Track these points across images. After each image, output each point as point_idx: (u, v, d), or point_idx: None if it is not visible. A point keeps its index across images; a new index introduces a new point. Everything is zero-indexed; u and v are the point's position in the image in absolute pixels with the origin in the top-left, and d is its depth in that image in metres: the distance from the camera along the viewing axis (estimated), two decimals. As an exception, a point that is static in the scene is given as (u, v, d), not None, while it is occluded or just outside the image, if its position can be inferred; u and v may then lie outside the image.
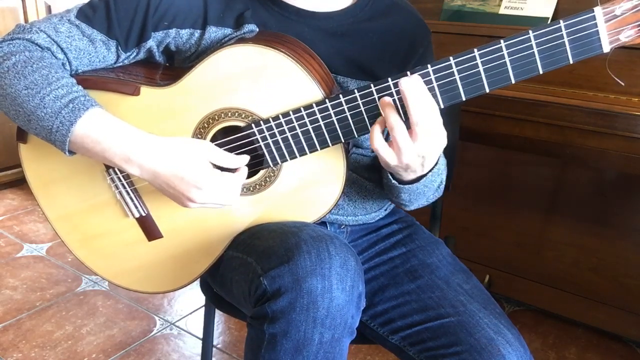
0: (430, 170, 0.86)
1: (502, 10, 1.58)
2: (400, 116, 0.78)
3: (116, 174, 0.93)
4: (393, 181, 0.89)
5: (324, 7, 0.94)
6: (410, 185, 0.88)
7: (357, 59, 0.95)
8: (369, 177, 1.03)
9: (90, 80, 0.89)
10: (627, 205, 1.60)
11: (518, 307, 1.89)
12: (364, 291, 0.82)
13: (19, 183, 2.70)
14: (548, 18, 1.52)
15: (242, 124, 0.87)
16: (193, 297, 1.91)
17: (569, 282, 1.72)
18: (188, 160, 0.82)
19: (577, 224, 1.68)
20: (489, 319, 0.86)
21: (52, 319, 1.78)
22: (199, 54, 0.92)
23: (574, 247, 1.69)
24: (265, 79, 0.84)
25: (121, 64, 0.94)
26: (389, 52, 0.97)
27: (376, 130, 0.79)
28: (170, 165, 0.81)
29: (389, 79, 0.80)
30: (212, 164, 0.85)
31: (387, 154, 0.79)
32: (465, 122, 1.44)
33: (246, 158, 0.87)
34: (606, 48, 0.74)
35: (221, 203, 0.86)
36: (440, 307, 0.89)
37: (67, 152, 0.83)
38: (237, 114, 0.86)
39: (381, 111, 0.79)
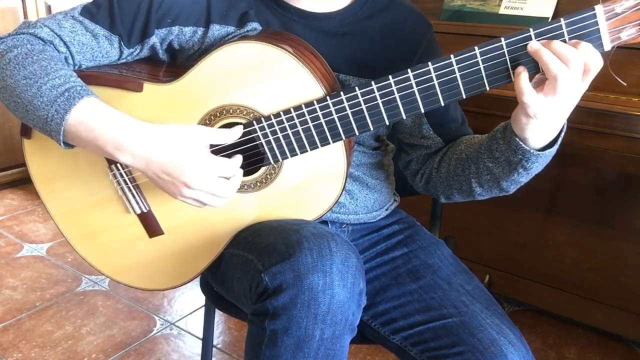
0: (558, 135, 0.82)
1: (502, 10, 1.59)
2: None
3: (118, 169, 0.93)
4: (531, 149, 0.82)
5: (324, 7, 0.95)
6: (546, 152, 0.82)
7: (359, 57, 0.96)
8: (371, 175, 1.03)
9: (93, 76, 0.90)
10: (627, 205, 1.60)
11: (518, 307, 1.89)
12: (364, 288, 0.82)
13: (19, 183, 2.69)
14: (548, 18, 1.52)
15: (243, 121, 0.87)
16: (193, 297, 1.91)
17: (569, 282, 1.72)
18: (184, 144, 0.81)
19: (577, 224, 1.68)
20: (491, 319, 0.86)
21: (52, 319, 1.78)
22: (202, 52, 0.92)
23: (574, 247, 1.69)
24: (267, 76, 0.84)
25: (124, 60, 0.95)
26: (390, 49, 0.97)
27: (524, 79, 0.75)
28: (165, 151, 0.81)
29: (390, 77, 0.80)
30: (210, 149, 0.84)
31: (538, 102, 0.75)
32: (466, 122, 1.44)
33: (239, 129, 0.86)
34: (607, 46, 0.74)
35: (218, 191, 0.84)
36: (442, 307, 0.89)
37: (62, 143, 0.83)
38: (238, 110, 0.87)
39: (541, 58, 0.73)
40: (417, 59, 0.98)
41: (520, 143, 0.82)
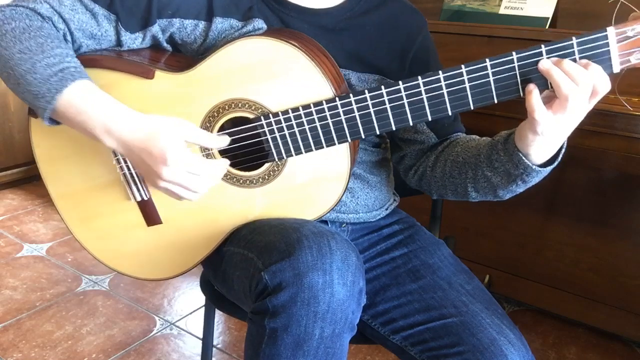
0: (559, 152, 0.84)
1: (502, 10, 1.59)
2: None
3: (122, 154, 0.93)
4: (533, 165, 0.84)
5: (321, 3, 0.96)
6: (546, 167, 0.85)
7: (357, 52, 0.97)
8: (372, 173, 1.03)
9: (101, 59, 0.90)
10: (627, 205, 1.60)
11: (518, 307, 1.89)
12: (364, 287, 0.82)
13: (19, 183, 2.70)
14: (548, 18, 1.52)
15: (251, 116, 0.87)
16: (193, 297, 1.91)
17: (569, 282, 1.72)
18: (159, 135, 0.81)
19: (577, 224, 1.68)
20: (491, 319, 0.86)
21: (52, 319, 1.78)
22: (207, 46, 0.93)
23: (574, 247, 1.69)
24: (278, 73, 0.85)
25: (127, 48, 0.95)
26: (386, 43, 0.98)
27: (536, 96, 0.77)
28: (142, 139, 0.81)
29: (400, 82, 0.81)
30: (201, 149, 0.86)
31: (548, 119, 0.77)
32: (465, 122, 1.43)
33: (226, 139, 0.87)
34: (616, 68, 0.75)
35: (190, 186, 0.84)
36: (442, 307, 0.89)
37: (46, 120, 0.84)
38: (247, 105, 0.87)
39: (552, 77, 0.75)
40: (412, 55, 1.00)
41: (523, 158, 0.83)
